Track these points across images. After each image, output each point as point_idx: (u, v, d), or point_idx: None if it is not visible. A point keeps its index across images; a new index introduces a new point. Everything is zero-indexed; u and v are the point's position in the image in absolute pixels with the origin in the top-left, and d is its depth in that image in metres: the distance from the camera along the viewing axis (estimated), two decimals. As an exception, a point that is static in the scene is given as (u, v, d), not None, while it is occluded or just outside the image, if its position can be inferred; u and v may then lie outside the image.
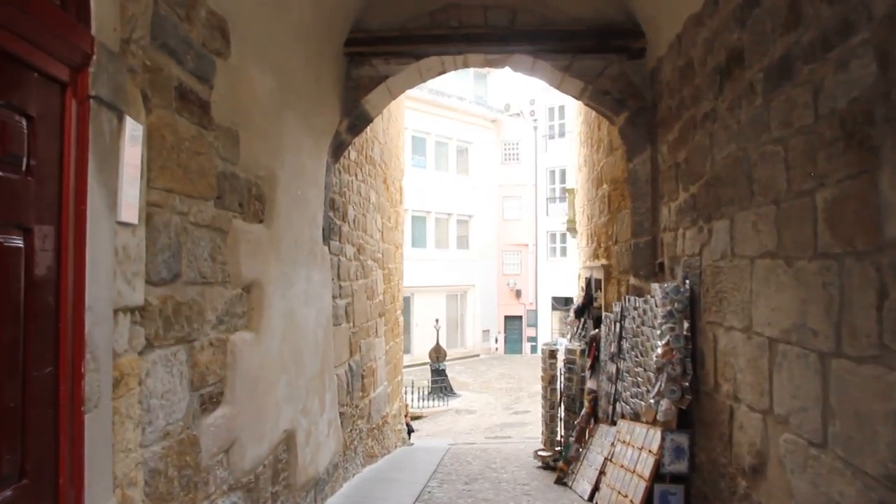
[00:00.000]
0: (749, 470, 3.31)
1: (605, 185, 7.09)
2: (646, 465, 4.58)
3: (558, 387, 8.38)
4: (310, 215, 5.02)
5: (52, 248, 1.71)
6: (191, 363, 2.88)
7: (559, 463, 7.52)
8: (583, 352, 8.06)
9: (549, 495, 6.18)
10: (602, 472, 5.65)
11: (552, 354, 8.46)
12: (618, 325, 6.21)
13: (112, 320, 2.04)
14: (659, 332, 4.86)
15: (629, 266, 6.06)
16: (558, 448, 8.21)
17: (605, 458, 5.71)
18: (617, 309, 6.29)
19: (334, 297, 6.10)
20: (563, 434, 8.28)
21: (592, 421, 6.92)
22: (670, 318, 4.50)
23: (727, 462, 3.69)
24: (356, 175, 7.46)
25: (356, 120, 5.85)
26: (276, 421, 4.02)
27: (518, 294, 28.82)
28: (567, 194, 12.41)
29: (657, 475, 4.46)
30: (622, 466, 5.12)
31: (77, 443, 1.77)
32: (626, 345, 5.95)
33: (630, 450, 5.08)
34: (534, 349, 28.52)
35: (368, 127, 8.47)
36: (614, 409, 6.12)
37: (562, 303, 27.56)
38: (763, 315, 3.11)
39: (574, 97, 6.34)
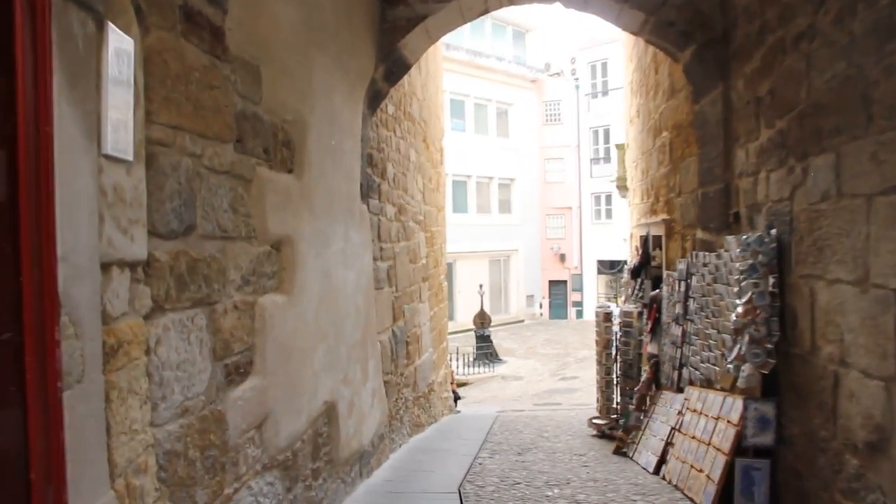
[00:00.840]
0: (864, 446, 2.81)
1: (664, 133, 6.48)
2: (724, 437, 4.10)
3: (614, 351, 7.90)
4: (346, 168, 4.61)
5: (2, 179, 1.31)
6: (212, 329, 2.51)
7: (618, 432, 7.09)
8: (640, 314, 7.56)
9: (608, 467, 5.76)
10: (669, 443, 5.20)
11: (607, 317, 7.97)
12: (683, 283, 5.67)
13: (100, 276, 1.66)
14: (737, 289, 4.33)
15: (696, 219, 5.50)
16: (615, 416, 7.78)
17: (673, 428, 5.24)
18: (681, 267, 5.75)
19: (375, 260, 5.72)
20: (619, 401, 7.83)
21: (654, 387, 6.44)
22: (752, 272, 3.96)
23: (829, 436, 3.19)
24: (395, 131, 7.02)
25: (393, 66, 5.38)
26: (314, 392, 3.67)
27: (562, 258, 28.18)
28: (617, 150, 11.73)
29: (738, 448, 3.98)
30: (694, 437, 4.65)
31: (53, 427, 1.40)
32: (693, 305, 5.42)
33: (703, 419, 4.60)
34: (579, 314, 27.99)
35: (406, 81, 7.99)
36: (680, 374, 5.63)
37: (607, 266, 26.87)
38: (887, 263, 2.58)
39: (633, 32, 5.73)
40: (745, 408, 3.95)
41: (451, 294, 19.77)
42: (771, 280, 3.88)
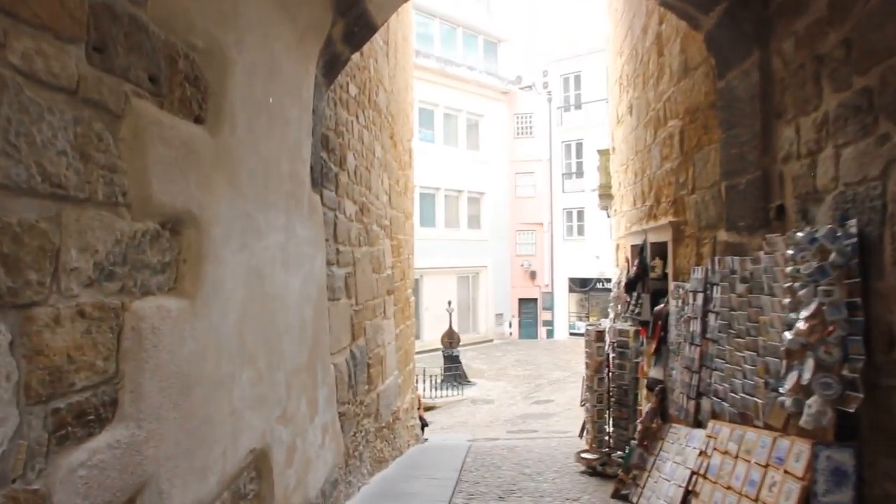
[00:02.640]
0: None
1: (671, 123, 5.60)
2: (783, 493, 3.13)
3: (606, 375, 6.94)
4: (291, 142, 3.57)
5: None
6: (24, 350, 1.45)
7: (610, 469, 6.12)
8: (636, 333, 6.62)
9: (611, 517, 4.76)
10: (691, 492, 4.22)
11: (600, 336, 7.02)
12: (700, 296, 4.75)
13: None
14: (787, 300, 3.41)
15: (717, 218, 4.59)
16: (606, 450, 6.80)
17: (694, 473, 4.27)
18: (697, 276, 4.83)
19: (330, 265, 4.68)
20: (611, 432, 6.87)
21: (659, 419, 5.48)
22: (820, 277, 3.03)
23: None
24: (357, 117, 6.01)
25: (355, 24, 4.36)
26: (232, 439, 2.59)
27: (533, 276, 27.33)
28: (599, 156, 10.94)
29: (804, 510, 3.02)
30: (730, 489, 3.68)
31: None
32: (714, 322, 4.49)
33: (742, 465, 3.63)
34: (550, 333, 27.14)
35: (372, 66, 7.02)
36: (699, 406, 4.68)
37: (579, 284, 26.16)
38: None
39: (643, -5, 4.83)
40: (815, 456, 3.00)
41: (417, 311, 18.68)
42: (848, 287, 2.95)
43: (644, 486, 5.08)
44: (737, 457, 3.74)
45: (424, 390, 14.97)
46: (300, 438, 3.60)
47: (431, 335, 20.95)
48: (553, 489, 5.84)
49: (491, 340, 26.01)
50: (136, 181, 1.91)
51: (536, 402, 15.78)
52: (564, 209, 26.37)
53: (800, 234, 3.31)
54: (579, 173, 25.80)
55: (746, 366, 3.91)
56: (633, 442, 5.51)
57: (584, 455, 6.75)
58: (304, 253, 3.82)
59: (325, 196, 4.59)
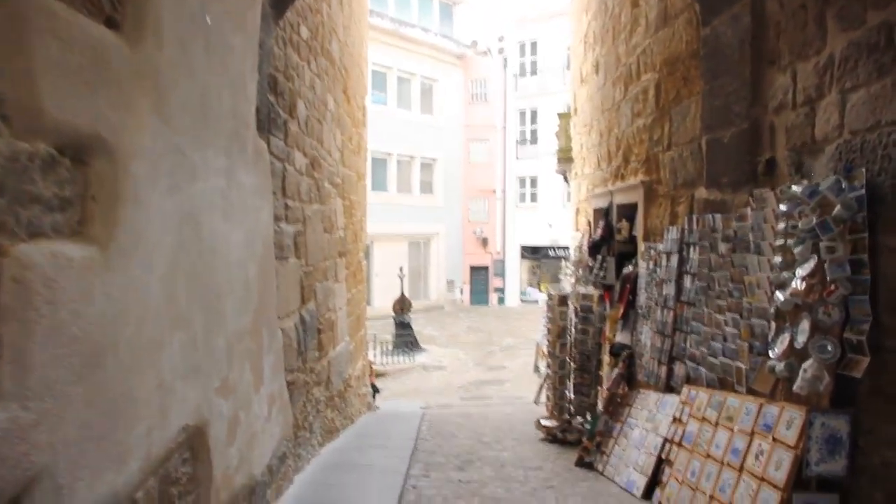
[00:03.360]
0: None
1: (646, 77, 5.29)
2: (773, 463, 2.91)
3: (569, 341, 6.72)
4: (233, 73, 3.09)
5: None
6: None
7: (581, 438, 5.93)
8: (600, 297, 6.40)
9: (578, 487, 4.55)
10: (665, 460, 4.02)
11: (563, 301, 6.76)
12: (674, 257, 4.51)
13: None
14: (779, 259, 3.17)
15: (696, 174, 4.33)
16: (567, 417, 6.62)
17: (667, 440, 4.07)
18: (672, 236, 4.58)
19: (278, 220, 4.23)
20: (572, 398, 6.68)
21: (625, 385, 5.29)
22: (822, 232, 2.78)
23: None
24: (309, 63, 5.50)
25: (306, -53, 3.86)
26: (159, 417, 2.18)
27: (485, 243, 27.14)
28: (559, 120, 10.62)
29: (797, 479, 2.81)
30: (710, 457, 3.47)
31: None
32: (691, 284, 4.26)
33: (723, 433, 3.42)
34: (501, 300, 27.12)
35: (325, 10, 6.48)
36: (671, 371, 4.47)
37: (531, 252, 26.12)
38: None
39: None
40: (809, 423, 2.78)
41: (368, 277, 18.22)
42: (852, 243, 2.71)
43: (610, 453, 4.88)
44: (717, 424, 3.53)
45: (376, 357, 14.65)
46: (244, 411, 3.20)
47: (382, 301, 20.57)
48: (513, 458, 5.61)
49: (442, 307, 25.81)
50: (18, 87, 1.45)
51: (489, 368, 15.66)
52: (518, 176, 26.15)
53: (796, 188, 3.05)
54: (533, 140, 25.56)
55: (728, 329, 3.69)
56: (598, 408, 5.29)
57: (544, 422, 6.55)
58: (248, 204, 3.37)
59: (272, 144, 4.11)
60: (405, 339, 17.25)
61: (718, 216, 3.91)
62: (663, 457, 4.04)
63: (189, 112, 2.49)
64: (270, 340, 3.84)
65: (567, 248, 23.99)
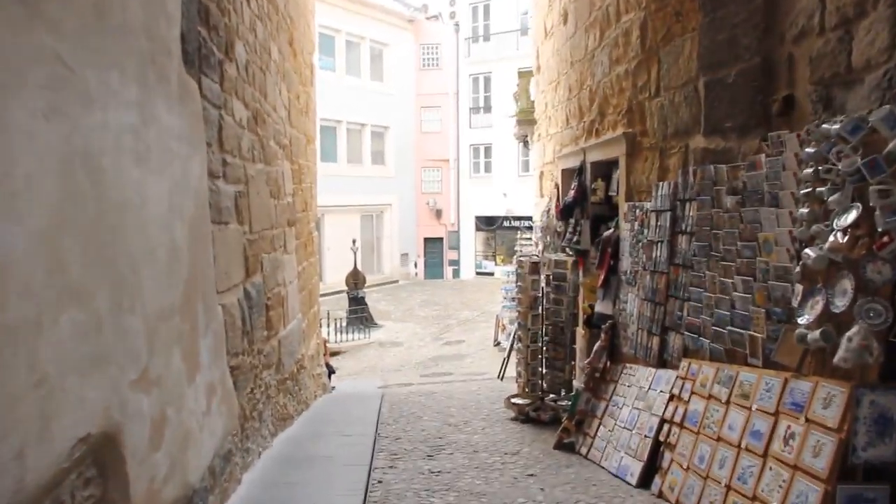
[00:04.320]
0: None
1: (628, 17, 4.77)
2: (808, 448, 2.49)
3: (541, 312, 6.26)
4: (143, -19, 2.42)
5: None
6: None
7: (556, 416, 5.51)
8: (574, 264, 5.95)
9: (563, 475, 4.10)
10: (664, 443, 3.59)
11: (535, 268, 6.28)
12: (666, 216, 4.05)
13: None
14: (805, 209, 2.72)
15: (692, 122, 3.86)
16: (539, 394, 6.19)
17: (665, 421, 3.64)
18: (663, 192, 4.12)
19: (214, 177, 3.58)
20: (544, 373, 6.25)
21: (606, 359, 4.86)
22: (871, 173, 2.32)
23: None
24: (249, 1, 4.79)
25: None
26: (38, 429, 1.57)
27: (438, 214, 26.57)
28: (519, 79, 10.07)
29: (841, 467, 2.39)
30: (722, 440, 3.04)
31: None
32: (686, 244, 3.81)
33: (738, 413, 2.99)
34: (456, 273, 26.70)
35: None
36: (664, 342, 4.04)
37: (486, 222, 25.70)
38: None
39: None
40: (856, 401, 2.35)
41: (319, 252, 17.42)
42: (909, 187, 2.27)
43: (595, 435, 4.46)
44: (728, 402, 3.10)
45: (329, 334, 14.03)
46: (173, 407, 2.59)
47: (335, 276, 19.88)
48: (486, 442, 5.14)
49: (396, 281, 25.24)
50: None
51: (447, 343, 15.23)
52: (471, 145, 25.57)
53: (829, 126, 2.59)
54: (487, 108, 24.98)
55: (737, 294, 3.25)
56: (576, 385, 4.86)
57: (514, 400, 6.10)
58: (173, 150, 2.72)
59: (205, 86, 3.44)
60: (359, 314, 16.65)
61: (723, 167, 3.45)
62: (661, 439, 3.61)
63: (75, 10, 1.83)
64: (208, 319, 3.21)
65: (523, 218, 23.78)
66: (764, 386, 2.88)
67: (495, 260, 25.99)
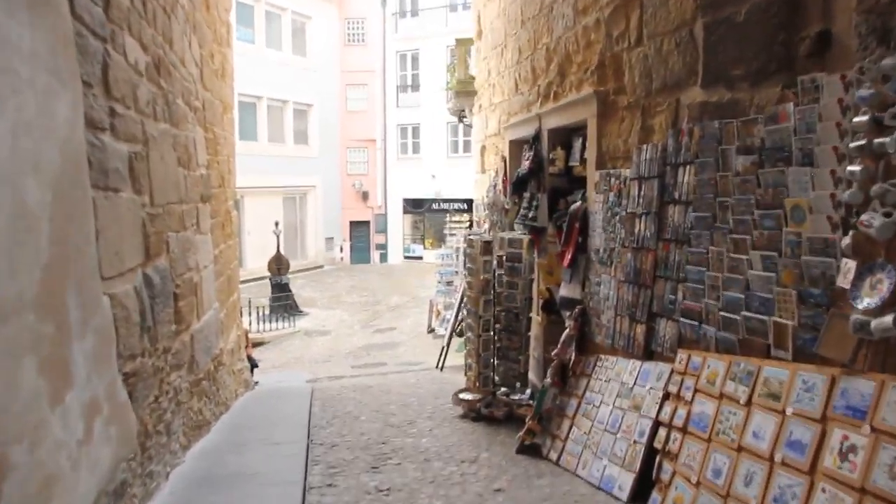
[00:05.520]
0: None
1: (597, -41, 4.17)
2: (884, 468, 1.96)
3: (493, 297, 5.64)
4: None
5: None
6: None
7: (497, 411, 4.93)
8: (530, 243, 5.37)
9: (536, 490, 3.50)
10: (662, 452, 3.04)
11: (487, 248, 5.64)
12: (651, 183, 3.49)
13: None
14: (855, 167, 2.20)
15: (686, 72, 3.30)
16: (491, 388, 5.60)
17: (662, 424, 3.10)
18: (647, 156, 3.56)
19: (97, 128, 2.74)
20: (496, 364, 5.65)
21: (573, 351, 4.30)
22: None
23: None
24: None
25: None
26: None
27: (365, 196, 25.61)
28: (457, 47, 9.37)
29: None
30: (744, 450, 2.50)
31: None
32: (679, 216, 3.27)
33: (767, 417, 2.45)
34: (383, 258, 25.91)
35: None
36: (651, 330, 3.49)
37: (414, 205, 24.99)
38: None
39: None
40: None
41: (239, 235, 16.20)
42: None
43: (567, 437, 3.89)
44: (748, 403, 2.57)
45: (251, 324, 13.02)
46: (23, 444, 1.80)
47: (255, 262, 18.71)
48: (438, 447, 4.49)
49: (321, 266, 24.20)
50: None
51: (378, 330, 14.50)
52: (399, 125, 24.70)
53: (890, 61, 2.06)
54: (415, 87, 24.16)
55: (753, 272, 2.71)
56: (531, 379, 4.28)
57: (463, 396, 5.49)
58: (19, 75, 1.90)
59: (79, 3, 2.58)
60: (283, 302, 15.65)
61: (731, 122, 2.90)
62: (657, 446, 3.06)
63: None
64: (86, 315, 2.39)
65: (453, 200, 23.18)
66: (801, 384, 2.35)
67: (424, 244, 25.36)
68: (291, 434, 4.96)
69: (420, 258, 25.03)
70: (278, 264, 15.93)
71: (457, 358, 9.57)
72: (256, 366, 8.89)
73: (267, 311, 14.92)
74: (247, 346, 8.75)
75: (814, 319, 2.40)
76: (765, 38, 2.76)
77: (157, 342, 3.60)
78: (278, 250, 16.22)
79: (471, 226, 18.18)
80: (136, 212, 3.31)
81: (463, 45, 9.29)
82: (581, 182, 4.91)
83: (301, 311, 16.06)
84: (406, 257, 25.53)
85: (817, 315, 2.38)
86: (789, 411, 2.36)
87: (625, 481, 3.16)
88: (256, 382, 8.18)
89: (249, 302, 12.90)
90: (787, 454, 2.31)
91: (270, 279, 16.05)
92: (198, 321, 4.79)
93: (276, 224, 16.71)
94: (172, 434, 3.96)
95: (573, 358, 4.20)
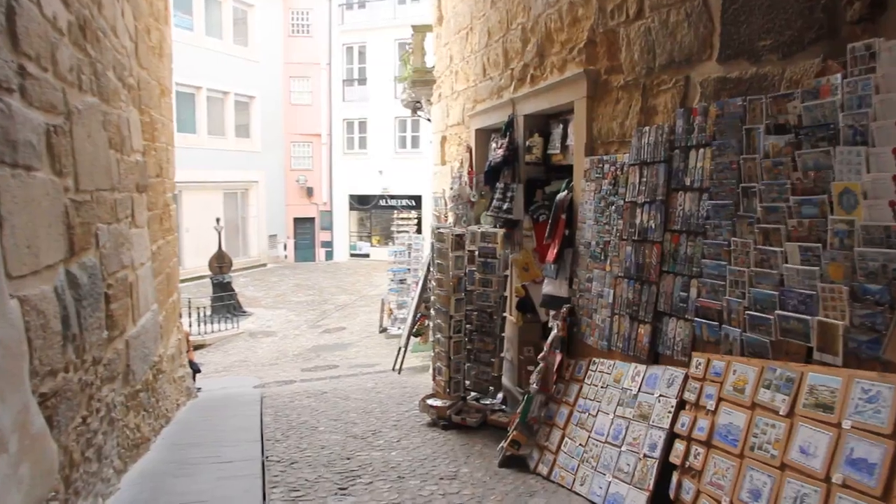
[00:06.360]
0: None
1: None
2: None
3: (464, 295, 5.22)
4: None
5: None
6: None
7: (468, 417, 4.54)
8: (505, 237, 4.99)
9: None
10: (681, 468, 2.69)
11: (460, 242, 5.22)
12: (655, 169, 3.15)
13: None
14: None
15: (700, 45, 2.96)
16: (461, 394, 5.20)
17: (682, 437, 2.75)
18: (649, 139, 3.21)
19: (0, 87, 2.19)
20: (467, 367, 5.24)
21: (560, 353, 3.93)
22: None
23: None
24: None
25: None
26: None
27: (309, 192, 24.80)
28: (414, 34, 8.89)
29: None
30: (788, 468, 2.17)
31: None
32: (694, 204, 2.93)
33: (816, 432, 2.12)
34: (328, 255, 25.19)
35: None
36: (656, 331, 3.14)
37: (360, 201, 24.39)
38: None
39: None
40: None
41: (177, 231, 15.24)
42: None
43: (558, 450, 3.51)
44: (790, 415, 2.24)
45: (192, 325, 12.25)
46: None
47: (195, 261, 17.80)
48: (410, 461, 4.05)
49: (264, 265, 23.32)
50: None
51: (326, 330, 13.90)
52: (345, 119, 24.00)
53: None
54: (362, 80, 23.52)
55: (790, 266, 2.39)
56: (534, 386, 3.89)
57: (431, 402, 5.06)
58: None
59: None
60: (225, 302, 14.85)
61: (762, 98, 2.57)
62: (674, 461, 2.71)
63: None
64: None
65: (400, 197, 22.68)
66: (860, 394, 2.03)
67: (371, 241, 24.79)
68: (243, 450, 4.42)
69: (367, 256, 24.44)
70: (220, 262, 15.11)
71: (414, 359, 9.14)
72: (199, 371, 8.23)
73: (208, 312, 14.12)
74: (188, 350, 8.08)
75: (872, 319, 2.08)
76: (800, 3, 2.44)
77: (84, 353, 3.04)
78: (220, 248, 15.39)
79: (419, 223, 17.82)
80: (56, 197, 2.74)
81: (420, 31, 8.85)
82: (560, 171, 4.56)
83: (245, 312, 15.29)
84: (352, 255, 24.90)
85: (876, 314, 2.07)
86: (847, 425, 2.04)
87: (635, 500, 2.81)
88: (199, 389, 7.54)
89: (189, 302, 12.11)
90: (849, 474, 1.98)
91: (212, 278, 15.22)
92: (134, 326, 4.21)
93: (218, 220, 15.85)
94: (105, 459, 3.40)
95: (562, 362, 3.83)
